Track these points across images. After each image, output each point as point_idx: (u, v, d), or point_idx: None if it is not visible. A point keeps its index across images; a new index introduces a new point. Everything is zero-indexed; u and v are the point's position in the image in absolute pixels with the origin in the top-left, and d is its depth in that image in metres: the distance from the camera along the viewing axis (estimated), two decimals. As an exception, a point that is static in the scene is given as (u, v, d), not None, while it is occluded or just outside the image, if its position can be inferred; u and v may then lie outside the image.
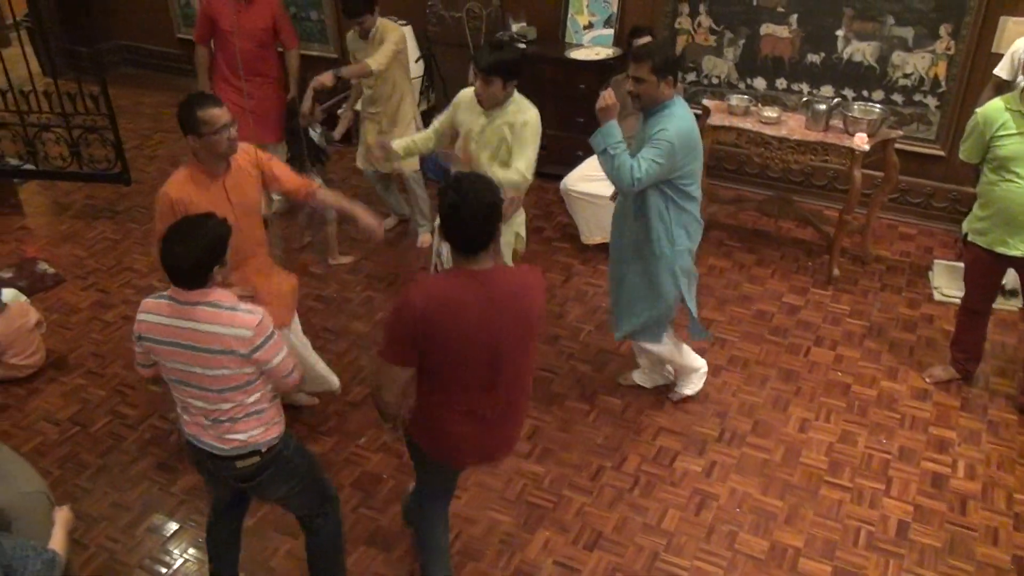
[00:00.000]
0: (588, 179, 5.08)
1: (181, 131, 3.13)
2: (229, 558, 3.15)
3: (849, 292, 4.89)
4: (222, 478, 2.81)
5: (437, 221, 3.99)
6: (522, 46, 5.89)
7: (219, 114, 3.07)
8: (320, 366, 3.95)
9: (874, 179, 5.08)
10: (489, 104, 3.74)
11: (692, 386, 4.09)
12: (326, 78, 4.78)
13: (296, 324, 3.82)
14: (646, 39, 4.85)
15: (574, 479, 3.69)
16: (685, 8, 5.61)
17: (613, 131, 3.38)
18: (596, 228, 5.17)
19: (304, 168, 4.73)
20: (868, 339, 4.51)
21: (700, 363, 4.08)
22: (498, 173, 3.70)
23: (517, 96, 3.79)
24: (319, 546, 3.04)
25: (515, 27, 6.01)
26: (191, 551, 3.41)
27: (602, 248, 5.21)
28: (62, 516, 2.23)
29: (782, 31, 5.39)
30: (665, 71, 3.31)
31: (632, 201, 3.61)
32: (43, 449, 3.90)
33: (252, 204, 3.39)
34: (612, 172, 3.40)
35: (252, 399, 2.62)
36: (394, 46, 4.78)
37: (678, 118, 3.37)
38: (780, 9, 5.34)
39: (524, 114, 3.77)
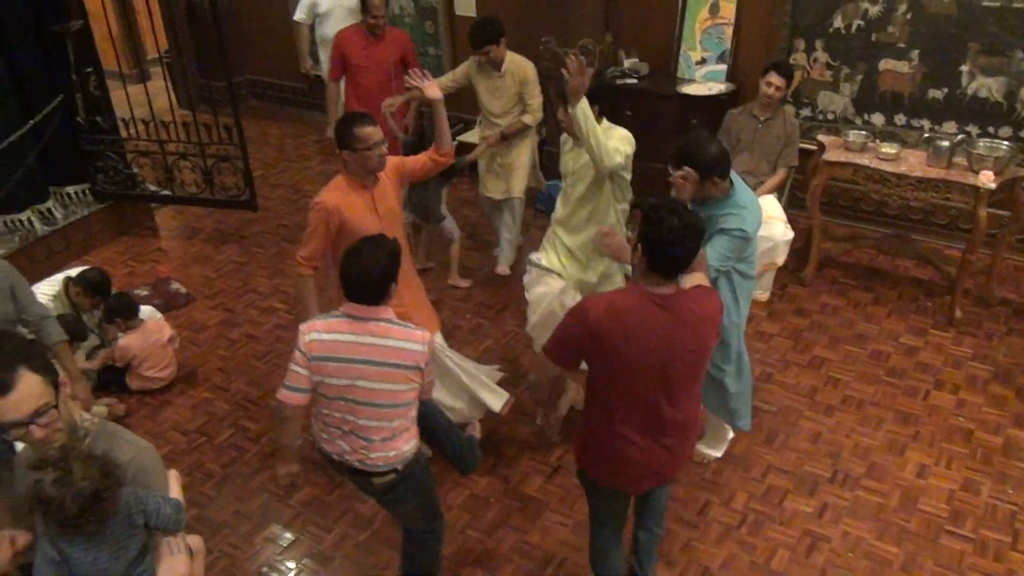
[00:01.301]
0: (699, 213, 5.07)
1: (337, 146, 3.36)
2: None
3: (972, 335, 4.71)
4: (361, 487, 3.01)
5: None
6: (634, 81, 5.96)
7: (372, 132, 3.29)
8: (487, 381, 3.94)
9: (1000, 218, 4.90)
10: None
11: (721, 448, 4.01)
12: (494, 139, 5.01)
13: (440, 339, 3.93)
14: (777, 77, 4.83)
15: (681, 513, 3.67)
16: (801, 44, 5.57)
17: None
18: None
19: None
20: (993, 384, 4.34)
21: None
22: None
23: (605, 123, 3.80)
24: (420, 559, 3.18)
25: (627, 63, 6.09)
26: (306, 561, 3.55)
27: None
28: (174, 474, 2.37)
29: (902, 66, 5.29)
30: (710, 172, 3.13)
31: None
32: (173, 457, 4.13)
33: (395, 212, 3.60)
34: None
35: (396, 423, 2.76)
36: (539, 88, 4.96)
37: (749, 209, 3.24)
38: (900, 45, 5.24)
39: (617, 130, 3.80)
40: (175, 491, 2.30)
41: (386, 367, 2.67)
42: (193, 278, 5.60)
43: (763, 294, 5.12)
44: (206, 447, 4.19)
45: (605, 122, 3.79)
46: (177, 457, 4.12)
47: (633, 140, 3.79)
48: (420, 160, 3.72)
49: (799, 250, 5.30)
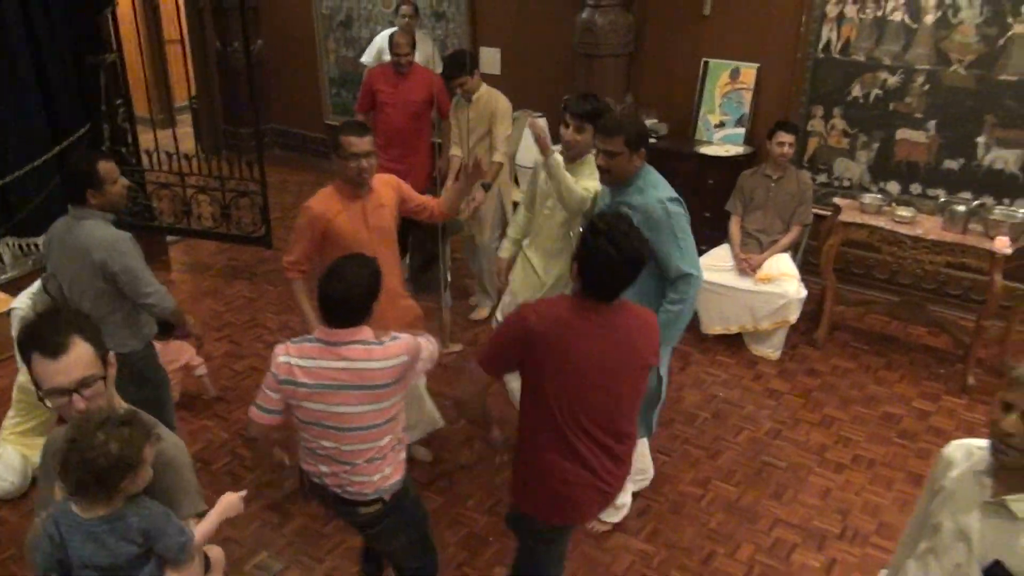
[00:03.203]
0: (711, 268, 5.05)
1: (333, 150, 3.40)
2: None
3: (985, 403, 4.63)
4: (347, 519, 2.86)
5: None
6: (653, 140, 6.03)
7: (355, 142, 3.29)
8: (429, 405, 4.02)
9: (1015, 290, 4.87)
10: (574, 153, 3.74)
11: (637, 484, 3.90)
12: (480, 197, 5.07)
13: None
14: (786, 135, 4.91)
15: (684, 561, 3.56)
16: (819, 110, 5.65)
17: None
18: (717, 318, 5.12)
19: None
20: (1007, 452, 4.24)
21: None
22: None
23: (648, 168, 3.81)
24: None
25: (647, 123, 6.17)
26: (295, 590, 3.44)
27: (721, 339, 5.17)
28: (225, 499, 2.17)
29: (919, 136, 5.34)
30: (638, 144, 3.21)
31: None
32: (167, 481, 4.04)
33: (388, 230, 3.56)
34: (688, 307, 3.26)
35: (384, 441, 2.65)
36: (508, 123, 5.07)
37: (661, 185, 3.29)
38: (918, 115, 5.31)
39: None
40: (207, 523, 2.11)
41: (366, 390, 2.55)
42: (202, 310, 5.59)
43: (774, 352, 5.07)
44: (202, 472, 4.11)
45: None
46: (172, 481, 4.03)
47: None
48: (421, 199, 3.72)
49: (811, 313, 5.27)
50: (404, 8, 6.36)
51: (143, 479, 1.94)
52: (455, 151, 5.34)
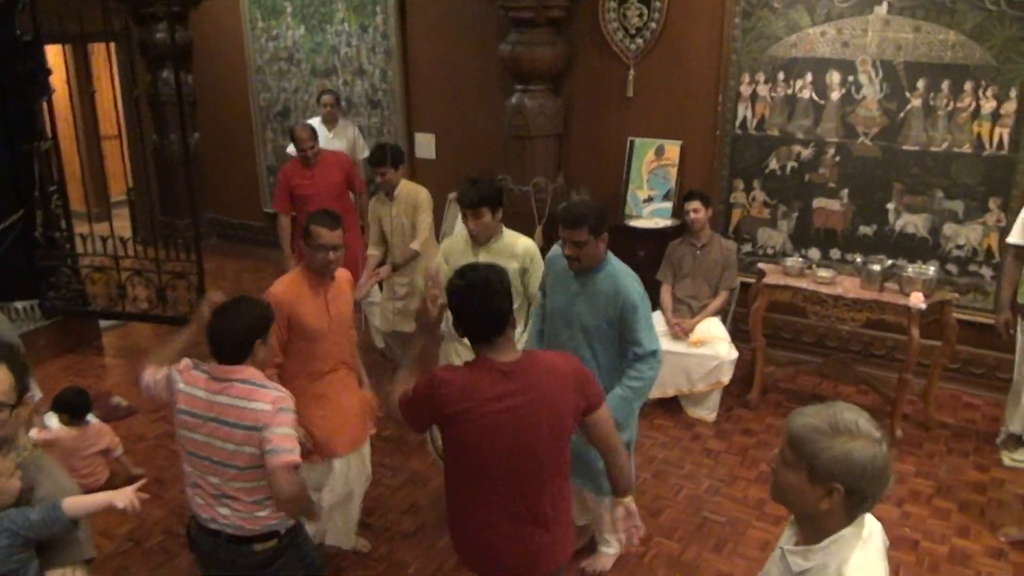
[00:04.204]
0: (646, 334, 5.19)
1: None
2: None
3: (914, 454, 4.77)
4: (233, 566, 2.75)
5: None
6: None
7: (324, 233, 3.36)
8: (353, 521, 3.89)
9: (934, 348, 5.08)
10: (484, 238, 3.88)
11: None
12: (386, 272, 5.20)
13: (366, 453, 3.85)
14: (696, 203, 5.15)
15: (629, 616, 3.54)
16: (740, 183, 5.94)
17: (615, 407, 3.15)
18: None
19: None
20: (937, 498, 4.36)
21: None
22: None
23: (506, 230, 3.98)
24: None
25: (577, 199, 6.38)
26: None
27: (659, 403, 5.25)
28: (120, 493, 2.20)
29: (834, 204, 5.64)
30: (601, 228, 3.30)
31: (583, 350, 3.44)
32: (97, 563, 3.87)
33: (346, 318, 3.61)
34: (647, 386, 3.44)
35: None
36: (429, 217, 5.21)
37: (625, 273, 3.41)
38: (831, 184, 5.62)
39: (522, 240, 3.96)
40: (91, 500, 2.16)
41: (238, 428, 2.57)
42: (136, 394, 5.48)
43: (710, 414, 5.17)
44: (134, 552, 3.99)
45: (504, 228, 3.92)
46: (101, 563, 3.88)
47: (534, 248, 3.97)
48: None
49: (744, 377, 5.41)
50: (325, 98, 6.65)
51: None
52: (372, 251, 5.38)
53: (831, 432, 1.74)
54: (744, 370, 5.37)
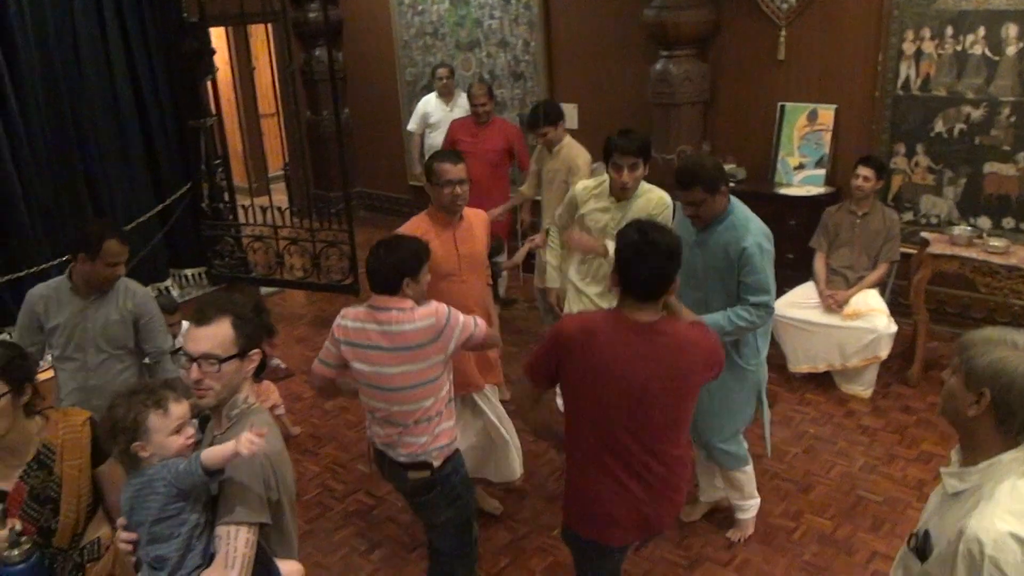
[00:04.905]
0: (798, 305, 5.00)
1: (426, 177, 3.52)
2: None
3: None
4: (399, 487, 3.01)
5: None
6: (732, 184, 6.03)
7: (448, 169, 3.41)
8: (514, 450, 3.95)
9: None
10: (630, 193, 3.80)
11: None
12: (541, 240, 5.15)
13: (494, 395, 3.91)
14: (868, 170, 4.88)
15: (778, 592, 3.44)
16: (901, 148, 5.59)
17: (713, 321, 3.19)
18: (804, 356, 5.02)
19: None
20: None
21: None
22: None
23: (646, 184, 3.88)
24: (443, 561, 3.14)
25: (725, 168, 6.19)
26: (382, 614, 3.45)
27: (809, 378, 5.05)
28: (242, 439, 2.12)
29: (1008, 169, 5.22)
30: (716, 185, 3.21)
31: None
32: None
33: (478, 258, 3.64)
34: (748, 326, 3.28)
35: (428, 403, 2.82)
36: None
37: (746, 225, 3.26)
38: (1005, 147, 5.20)
39: (656, 192, 3.84)
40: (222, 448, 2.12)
41: (401, 351, 2.77)
42: (293, 356, 5.78)
43: (865, 390, 4.92)
44: (291, 504, 4.20)
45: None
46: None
47: (668, 201, 3.84)
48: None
49: (903, 352, 5.12)
50: (441, 71, 6.71)
51: (161, 446, 2.07)
52: (524, 188, 5.46)
53: (995, 341, 1.76)
54: (902, 345, 5.07)
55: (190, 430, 2.11)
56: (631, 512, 2.56)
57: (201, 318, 2.16)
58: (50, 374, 3.82)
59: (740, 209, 3.35)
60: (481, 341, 2.98)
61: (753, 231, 3.27)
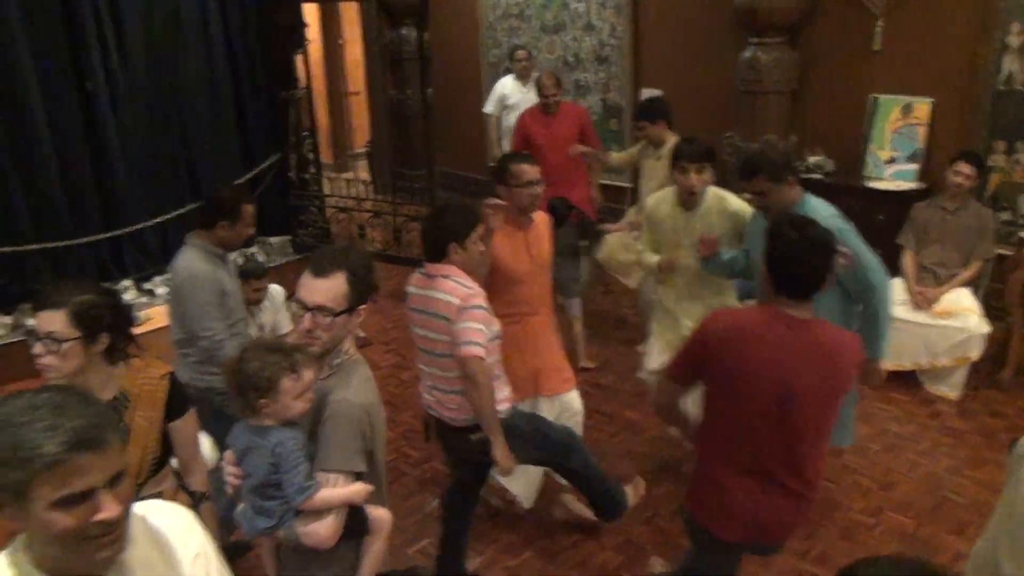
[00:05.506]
0: (884, 300, 4.87)
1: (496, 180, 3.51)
2: (459, 534, 3.37)
3: None
4: (460, 451, 3.10)
5: None
6: (819, 177, 5.93)
7: (527, 170, 3.39)
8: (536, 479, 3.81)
9: None
10: (699, 197, 3.69)
11: None
12: (629, 225, 5.19)
13: (571, 398, 3.77)
14: (968, 167, 4.72)
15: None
16: (1001, 145, 5.40)
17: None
18: (890, 353, 4.87)
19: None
20: None
21: None
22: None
23: (711, 188, 3.76)
24: (581, 479, 3.30)
25: (812, 159, 6.08)
26: None
27: (894, 375, 4.90)
28: (358, 485, 2.18)
29: (1117, 169, 5.01)
30: (782, 173, 3.13)
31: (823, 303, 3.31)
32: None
33: (546, 259, 3.61)
34: (884, 315, 3.25)
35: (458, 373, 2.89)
36: None
37: (821, 207, 3.18)
38: (1115, 147, 4.99)
39: (732, 199, 3.72)
40: (343, 491, 2.17)
41: (436, 318, 2.87)
42: (371, 326, 5.88)
43: (953, 392, 4.78)
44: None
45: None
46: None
47: (747, 208, 3.66)
48: None
49: (995, 356, 4.95)
50: (519, 52, 6.68)
51: (285, 407, 2.10)
52: (615, 154, 5.52)
53: None
54: (994, 348, 4.91)
55: (311, 394, 2.16)
56: (753, 516, 2.50)
57: (319, 270, 2.21)
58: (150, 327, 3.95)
59: (811, 202, 3.26)
60: (469, 379, 2.86)
61: (826, 219, 3.09)
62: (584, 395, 4.44)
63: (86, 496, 1.31)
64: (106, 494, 1.33)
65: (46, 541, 1.33)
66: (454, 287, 2.85)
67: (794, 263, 2.36)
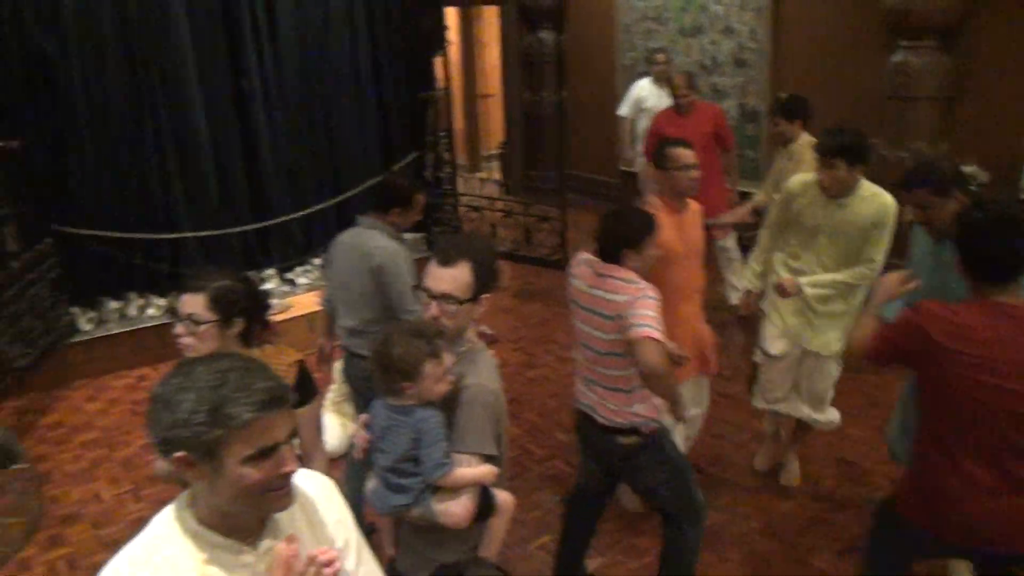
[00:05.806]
0: None
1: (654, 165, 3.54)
2: (580, 537, 3.36)
3: None
4: (602, 453, 3.06)
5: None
6: (971, 188, 5.62)
7: (684, 153, 3.42)
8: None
9: None
10: (835, 192, 3.52)
11: None
12: (745, 213, 5.08)
13: (705, 384, 3.91)
14: None
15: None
16: None
17: None
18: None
19: None
20: None
21: None
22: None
23: (865, 183, 3.56)
24: (676, 550, 3.11)
25: (966, 169, 5.77)
26: (576, 575, 3.53)
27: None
28: (488, 468, 2.25)
29: None
30: (947, 190, 2.94)
31: None
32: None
33: (698, 246, 3.61)
34: None
35: (631, 372, 2.86)
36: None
37: None
38: None
39: (881, 197, 3.52)
40: (470, 474, 2.22)
41: (602, 317, 2.84)
42: (499, 324, 5.96)
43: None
44: (492, 462, 4.37)
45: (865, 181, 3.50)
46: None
47: (892, 208, 3.50)
48: None
49: None
50: (659, 55, 6.62)
51: (427, 390, 2.17)
52: (761, 194, 5.25)
53: None
54: None
55: (451, 377, 2.23)
56: (994, 521, 2.32)
57: (446, 259, 2.27)
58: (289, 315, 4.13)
59: None
60: (644, 363, 2.77)
61: None
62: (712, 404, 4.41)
63: (273, 451, 1.43)
64: (288, 450, 1.45)
65: (232, 495, 1.43)
66: (623, 286, 2.85)
67: (988, 245, 2.26)
